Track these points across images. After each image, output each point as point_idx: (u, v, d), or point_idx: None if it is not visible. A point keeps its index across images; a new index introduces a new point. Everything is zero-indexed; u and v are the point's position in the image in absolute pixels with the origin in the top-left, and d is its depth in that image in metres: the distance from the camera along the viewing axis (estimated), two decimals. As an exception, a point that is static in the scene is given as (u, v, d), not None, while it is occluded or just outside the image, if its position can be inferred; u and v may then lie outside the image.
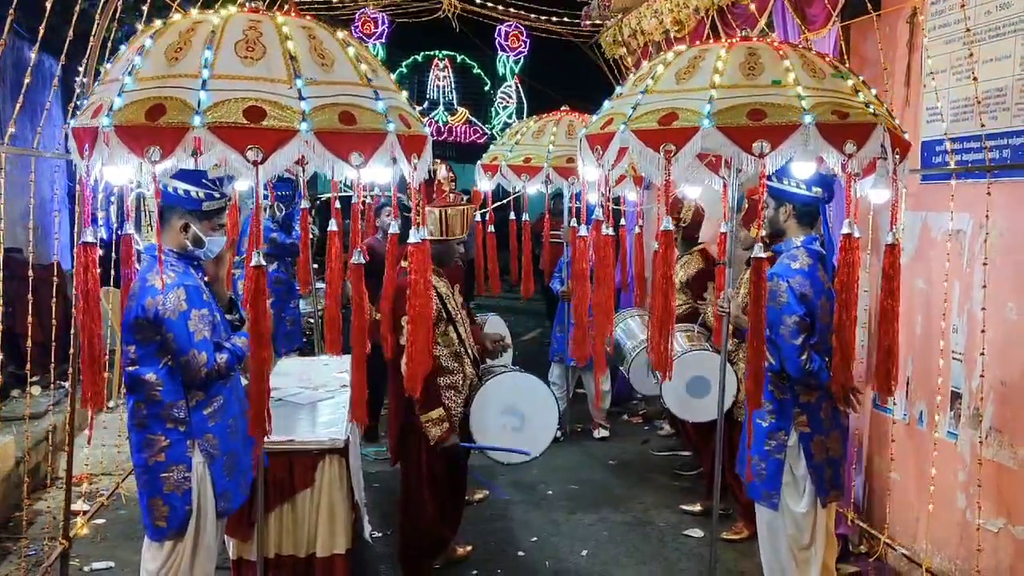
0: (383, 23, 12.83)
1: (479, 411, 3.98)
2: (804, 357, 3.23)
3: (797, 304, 3.23)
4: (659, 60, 3.22)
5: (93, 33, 3.83)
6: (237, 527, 3.67)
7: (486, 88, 14.65)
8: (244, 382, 3.81)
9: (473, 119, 14.75)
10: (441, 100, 14.89)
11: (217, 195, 3.07)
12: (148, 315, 2.91)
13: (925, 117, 4.10)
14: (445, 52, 14.92)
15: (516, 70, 13.76)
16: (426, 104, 14.67)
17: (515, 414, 4.03)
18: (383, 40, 13.07)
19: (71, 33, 3.70)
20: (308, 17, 2.78)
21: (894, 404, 4.27)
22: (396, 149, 2.57)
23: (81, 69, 3.91)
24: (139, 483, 3.05)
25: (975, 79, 3.57)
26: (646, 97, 3.02)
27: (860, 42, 4.45)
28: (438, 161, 5.06)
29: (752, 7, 4.98)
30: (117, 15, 4.02)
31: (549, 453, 6.24)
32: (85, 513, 4.74)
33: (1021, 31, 3.53)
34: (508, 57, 13.60)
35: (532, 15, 7.75)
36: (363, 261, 2.72)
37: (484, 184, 6.26)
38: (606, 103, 3.29)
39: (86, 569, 4.34)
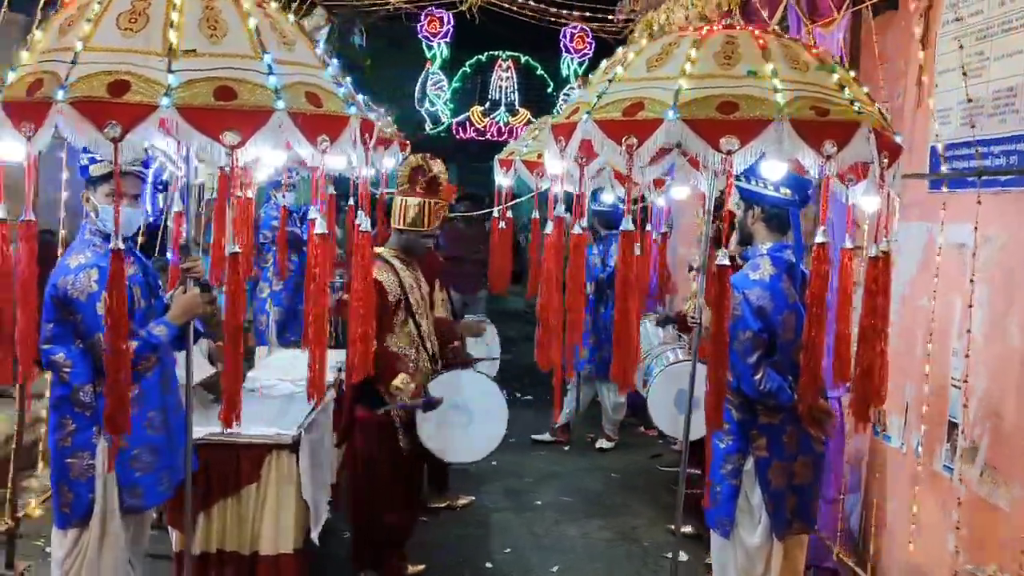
0: (448, 22, 12.81)
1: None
2: (759, 376, 2.96)
3: (753, 319, 2.97)
4: (633, 47, 3.03)
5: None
6: (178, 519, 3.59)
7: (549, 90, 14.43)
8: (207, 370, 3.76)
9: (535, 121, 14.52)
10: (503, 101, 14.70)
11: (99, 157, 2.86)
12: (59, 294, 2.85)
13: (935, 119, 3.75)
14: (509, 53, 14.76)
15: (580, 72, 13.54)
16: (487, 104, 14.54)
17: (463, 412, 3.87)
18: (448, 39, 13.07)
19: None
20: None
21: (882, 430, 3.94)
22: (290, 129, 2.40)
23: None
24: (51, 467, 2.99)
25: (964, 74, 3.24)
26: (613, 86, 2.82)
27: (873, 39, 4.11)
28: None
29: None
30: None
31: (551, 460, 6.13)
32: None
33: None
34: (573, 59, 13.39)
35: (563, 11, 7.55)
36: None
37: (501, 180, 6.11)
38: (576, 91, 3.11)
39: (48, 550, 4.34)
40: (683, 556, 4.62)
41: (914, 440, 3.83)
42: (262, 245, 6.49)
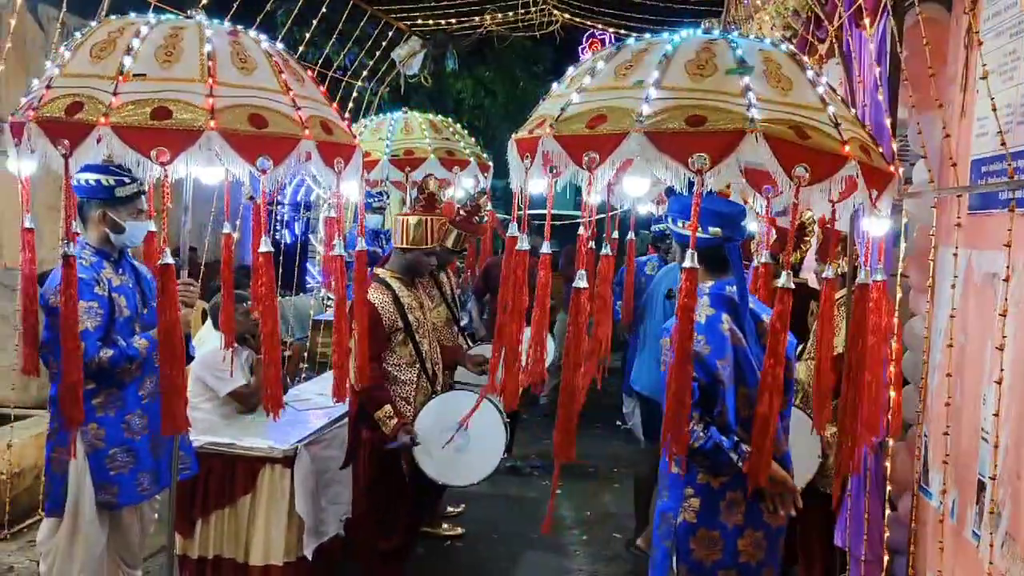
0: (610, 43, 12.72)
1: (423, 424, 3.86)
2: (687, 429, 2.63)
3: None
4: (603, 54, 2.80)
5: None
6: (178, 523, 3.76)
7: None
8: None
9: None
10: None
11: (128, 180, 3.19)
12: (45, 303, 3.09)
13: (976, 129, 3.26)
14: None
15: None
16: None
17: (460, 433, 3.79)
18: (606, 63, 13.01)
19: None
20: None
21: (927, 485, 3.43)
22: (223, 149, 2.52)
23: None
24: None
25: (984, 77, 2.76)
26: (580, 96, 2.54)
27: (917, 39, 3.64)
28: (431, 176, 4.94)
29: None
30: None
31: (586, 492, 5.83)
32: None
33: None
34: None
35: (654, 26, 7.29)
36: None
37: (587, 197, 5.97)
38: (542, 103, 2.89)
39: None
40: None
41: (949, 500, 3.32)
42: (348, 264, 6.67)
